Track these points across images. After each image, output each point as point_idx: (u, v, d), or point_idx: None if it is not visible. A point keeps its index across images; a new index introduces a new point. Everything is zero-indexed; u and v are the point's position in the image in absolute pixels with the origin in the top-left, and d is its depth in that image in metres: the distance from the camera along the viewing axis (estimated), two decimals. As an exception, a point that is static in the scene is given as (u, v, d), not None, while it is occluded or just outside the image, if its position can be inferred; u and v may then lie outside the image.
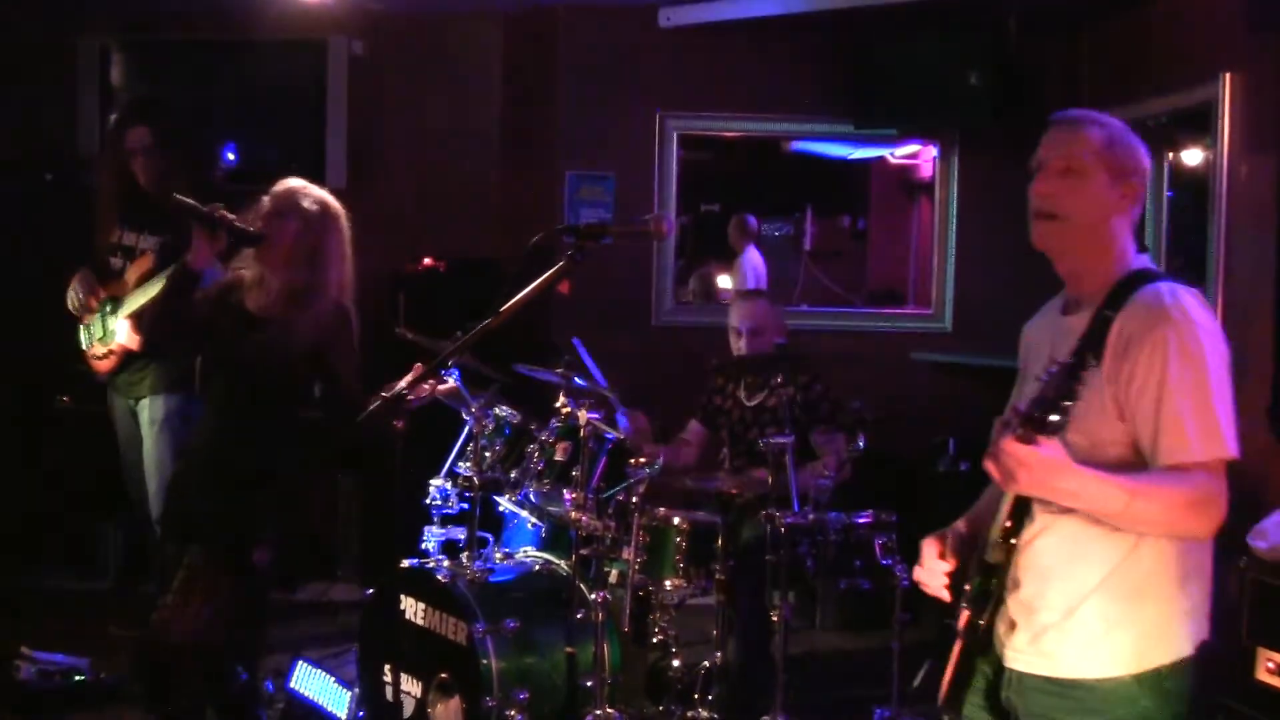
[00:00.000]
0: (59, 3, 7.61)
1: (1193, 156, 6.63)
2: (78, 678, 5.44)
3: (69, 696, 5.38)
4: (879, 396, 5.73)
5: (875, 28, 7.25)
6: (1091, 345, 2.63)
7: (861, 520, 4.86)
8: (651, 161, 7.77)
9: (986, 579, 2.74)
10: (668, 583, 4.82)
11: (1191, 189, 6.55)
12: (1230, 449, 2.56)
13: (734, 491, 5.12)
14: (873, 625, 6.09)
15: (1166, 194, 6.45)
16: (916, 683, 2.94)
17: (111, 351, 5.60)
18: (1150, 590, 2.66)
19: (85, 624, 6.24)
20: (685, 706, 4.83)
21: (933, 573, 2.87)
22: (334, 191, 7.70)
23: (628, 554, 4.62)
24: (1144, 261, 2.79)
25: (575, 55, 7.83)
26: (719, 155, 10.28)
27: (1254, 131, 5.20)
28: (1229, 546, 4.62)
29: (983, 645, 2.78)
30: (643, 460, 4.65)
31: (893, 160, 10.09)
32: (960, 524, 2.96)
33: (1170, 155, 6.54)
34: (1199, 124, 5.73)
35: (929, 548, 2.90)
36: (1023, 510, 2.68)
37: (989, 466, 2.52)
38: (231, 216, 4.40)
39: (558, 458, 4.83)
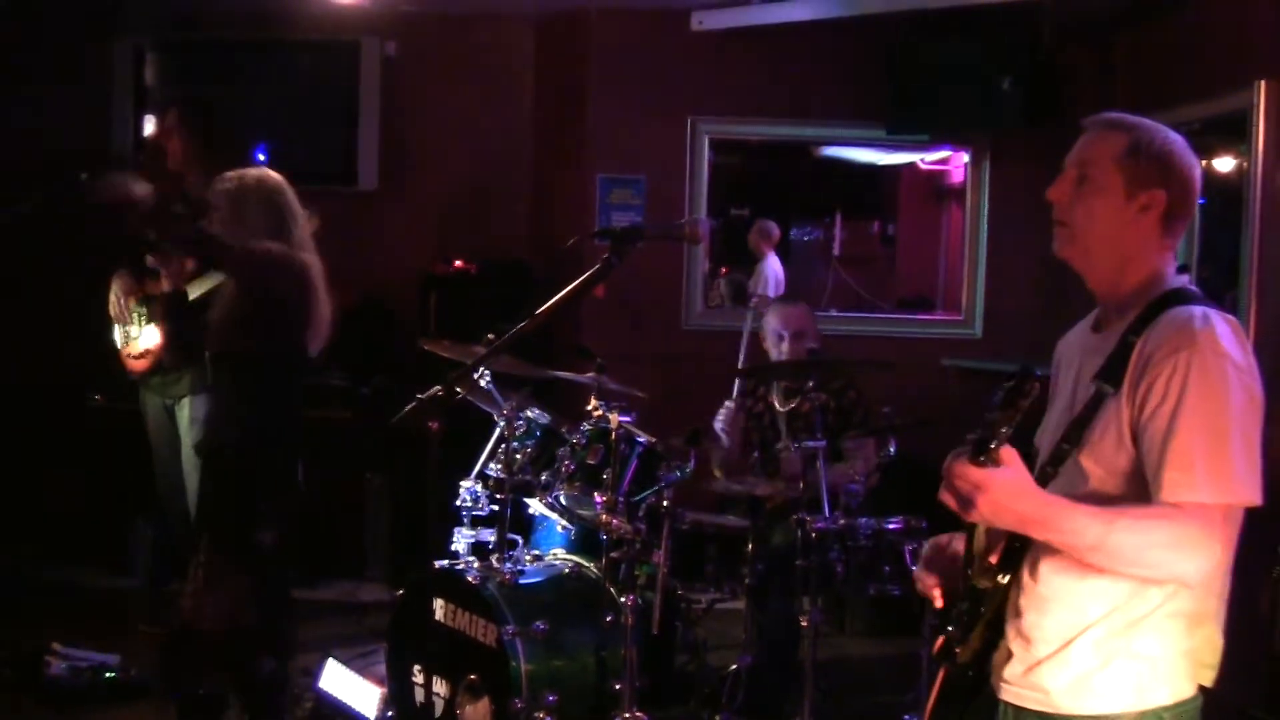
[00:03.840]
0: (94, 3, 7.65)
1: (1226, 164, 6.60)
2: (108, 674, 5.47)
3: (99, 693, 5.40)
4: (909, 402, 5.72)
5: (908, 33, 7.24)
6: (1112, 371, 2.47)
7: (892, 526, 4.86)
8: (682, 165, 7.77)
9: (974, 605, 2.59)
10: (697, 587, 4.83)
11: (1224, 196, 6.52)
12: (1243, 495, 2.35)
13: (765, 496, 5.12)
14: (901, 632, 6.07)
15: (1199, 201, 6.42)
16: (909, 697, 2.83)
17: (148, 351, 5.63)
18: (1154, 626, 2.46)
19: (116, 621, 6.27)
20: (713, 710, 4.84)
21: (926, 579, 2.75)
22: (365, 193, 7.89)
23: (658, 557, 4.63)
24: (1182, 282, 2.59)
25: (607, 58, 7.84)
26: (749, 159, 10.28)
27: (1289, 139, 5.18)
28: (1260, 557, 4.61)
29: (962, 674, 2.65)
30: (674, 464, 4.66)
31: (923, 166, 10.07)
32: (958, 543, 2.74)
33: (1204, 163, 6.50)
34: (1233, 131, 5.71)
35: (930, 552, 2.79)
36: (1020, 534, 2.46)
37: (944, 496, 2.35)
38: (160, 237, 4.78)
39: (588, 461, 4.83)
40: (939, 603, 2.71)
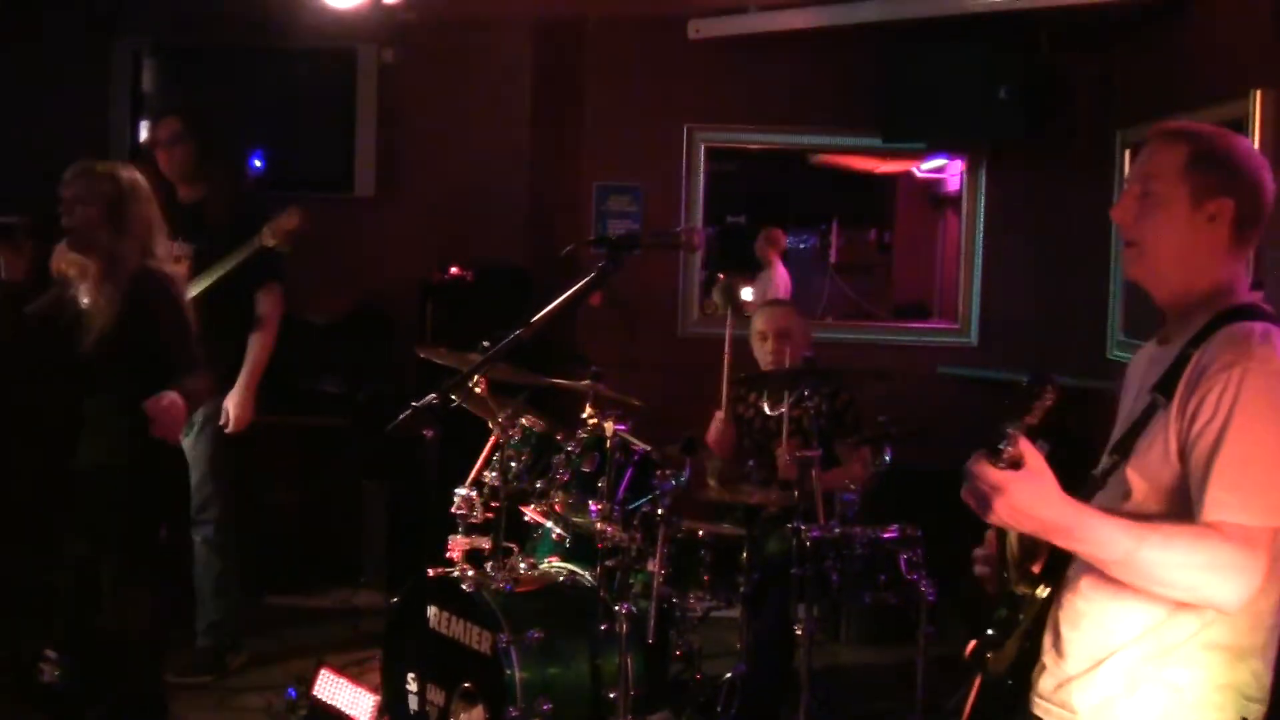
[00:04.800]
0: (93, 8, 7.65)
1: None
2: (103, 681, 5.46)
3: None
4: (904, 410, 5.72)
5: (905, 41, 7.25)
6: (1167, 382, 2.40)
7: (887, 535, 4.85)
8: (679, 173, 7.79)
9: (1011, 611, 2.54)
10: (692, 595, 4.82)
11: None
12: None
13: (760, 504, 5.11)
14: (897, 640, 6.06)
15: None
16: (952, 704, 2.79)
17: None
18: (1188, 656, 2.38)
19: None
20: (708, 719, 4.83)
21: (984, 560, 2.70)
22: (362, 200, 7.89)
23: (652, 566, 4.62)
24: (1253, 298, 2.48)
25: (604, 66, 7.85)
26: (745, 166, 10.29)
27: (1285, 148, 5.18)
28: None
29: (1000, 684, 2.58)
30: (669, 472, 4.65)
31: (919, 174, 10.08)
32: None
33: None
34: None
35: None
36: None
37: (965, 496, 2.29)
38: (19, 222, 4.56)
39: (584, 468, 4.83)
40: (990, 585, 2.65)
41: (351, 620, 6.69)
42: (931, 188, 10.69)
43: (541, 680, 4.44)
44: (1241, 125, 5.37)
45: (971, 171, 7.88)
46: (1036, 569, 2.53)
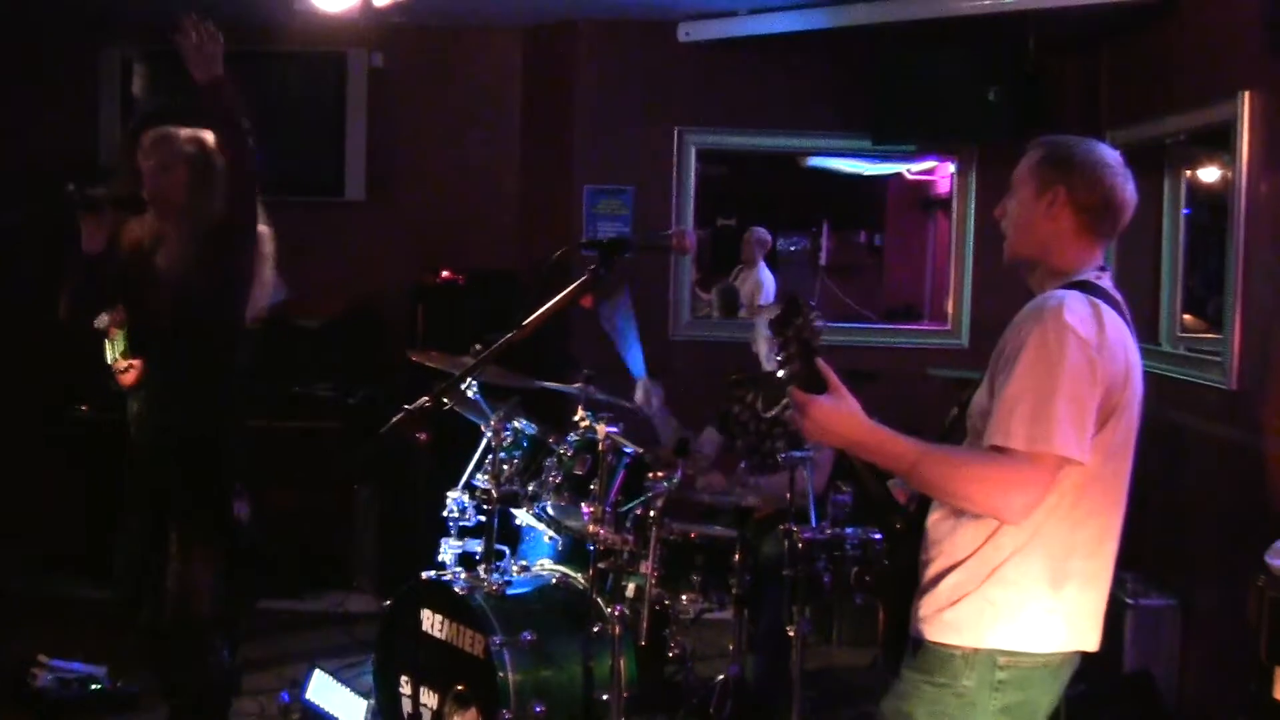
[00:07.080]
0: (81, 13, 7.64)
1: (1211, 174, 6.62)
2: (95, 686, 5.47)
3: (87, 705, 5.40)
4: (894, 412, 5.71)
5: (894, 44, 7.25)
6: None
7: (878, 536, 4.85)
8: (669, 176, 7.78)
9: (893, 544, 3.07)
10: (685, 597, 4.83)
11: (1210, 207, 6.54)
12: (1058, 447, 2.62)
13: (752, 506, 5.12)
14: (888, 641, 6.08)
15: (1184, 211, 6.44)
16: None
17: (134, 364, 5.61)
18: (1008, 577, 2.77)
19: (102, 632, 6.24)
20: (700, 720, 4.84)
21: None
22: (353, 204, 7.89)
23: (645, 568, 4.63)
24: (1089, 276, 2.87)
25: (594, 69, 7.85)
26: (736, 169, 10.29)
27: (1273, 150, 5.19)
28: (1246, 565, 4.61)
29: (898, 613, 2.99)
30: (661, 474, 4.66)
31: (910, 176, 10.09)
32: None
33: (1189, 173, 6.52)
34: (1218, 142, 5.72)
35: None
36: None
37: (793, 417, 2.77)
38: (105, 194, 4.49)
39: (576, 471, 4.84)
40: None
41: (344, 624, 6.69)
42: (922, 190, 10.71)
43: (534, 682, 4.45)
44: (1230, 127, 5.39)
45: (961, 173, 7.90)
46: (913, 507, 3.01)
